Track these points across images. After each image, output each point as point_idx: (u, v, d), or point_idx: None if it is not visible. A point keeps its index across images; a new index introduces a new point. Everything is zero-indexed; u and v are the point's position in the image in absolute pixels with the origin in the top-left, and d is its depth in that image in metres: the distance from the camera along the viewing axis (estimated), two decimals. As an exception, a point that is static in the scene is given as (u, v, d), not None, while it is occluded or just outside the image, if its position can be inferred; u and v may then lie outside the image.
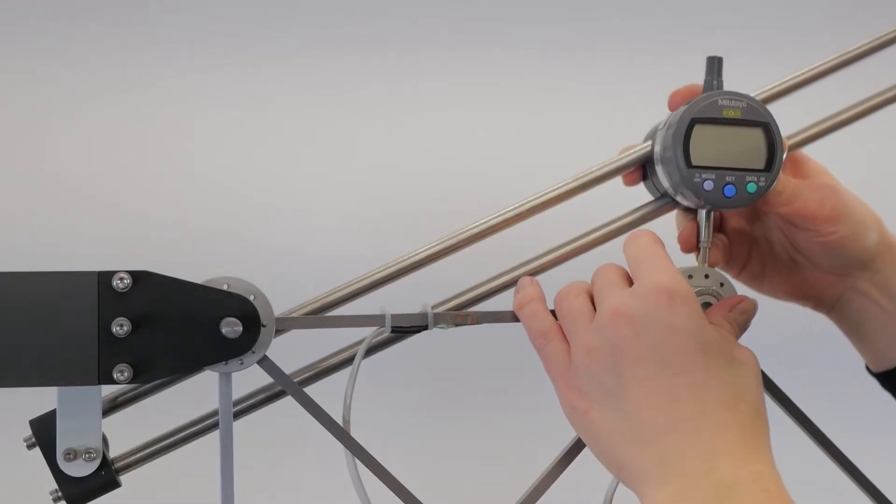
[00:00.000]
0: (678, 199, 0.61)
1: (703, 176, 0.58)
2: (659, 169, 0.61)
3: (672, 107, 0.62)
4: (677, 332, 0.51)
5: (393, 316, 0.59)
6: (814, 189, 0.62)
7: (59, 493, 0.58)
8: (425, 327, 0.59)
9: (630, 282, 0.55)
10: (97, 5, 1.21)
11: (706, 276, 0.60)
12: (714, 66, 0.61)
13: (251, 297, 0.56)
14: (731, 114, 0.58)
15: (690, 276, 0.60)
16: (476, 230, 0.62)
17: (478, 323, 0.60)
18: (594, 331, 0.53)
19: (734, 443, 0.50)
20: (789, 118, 0.64)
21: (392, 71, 1.26)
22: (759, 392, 0.53)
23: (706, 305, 0.60)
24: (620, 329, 0.52)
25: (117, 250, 1.18)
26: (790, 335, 0.98)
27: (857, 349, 0.68)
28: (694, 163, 0.58)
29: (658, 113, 0.63)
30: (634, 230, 0.58)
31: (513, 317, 0.60)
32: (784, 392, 0.61)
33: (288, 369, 0.60)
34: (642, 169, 0.64)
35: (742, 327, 0.57)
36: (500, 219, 0.62)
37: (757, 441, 0.51)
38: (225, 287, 0.56)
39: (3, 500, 1.15)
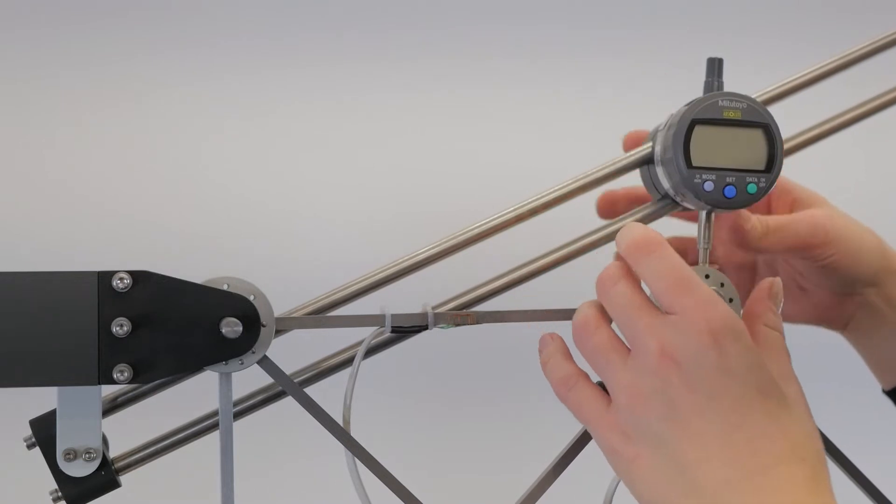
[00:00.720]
0: (679, 200, 0.61)
1: (704, 177, 0.58)
2: (659, 170, 0.61)
3: (626, 150, 0.62)
4: (733, 377, 0.48)
5: (393, 316, 0.59)
6: (802, 221, 0.62)
7: (59, 493, 0.58)
8: (425, 327, 0.59)
9: (648, 298, 0.52)
10: (103, 11, 1.21)
11: (707, 276, 0.60)
12: (714, 67, 0.61)
13: (251, 298, 0.56)
14: (731, 115, 0.58)
15: None
16: (476, 231, 0.62)
17: (478, 323, 0.60)
18: (637, 372, 0.50)
19: (801, 497, 0.47)
20: (791, 120, 0.64)
21: (395, 76, 1.26)
22: (816, 433, 0.51)
23: None
24: (670, 376, 0.49)
25: (118, 251, 1.18)
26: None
27: (871, 369, 0.68)
28: (694, 164, 0.58)
29: (659, 116, 0.63)
30: (644, 235, 0.52)
31: (514, 317, 0.60)
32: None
33: (288, 370, 0.60)
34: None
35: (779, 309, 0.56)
36: (500, 220, 0.62)
37: (819, 494, 0.48)
38: (225, 287, 0.56)
39: (4, 500, 1.15)
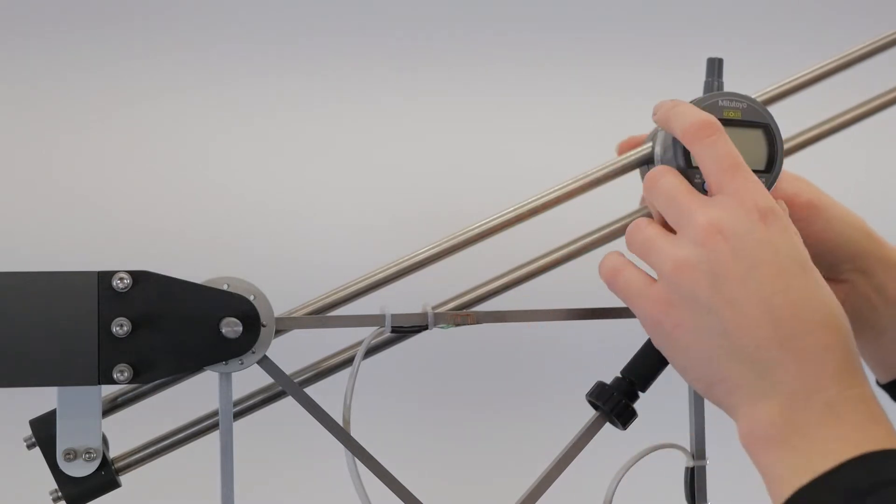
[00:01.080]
0: None
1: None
2: None
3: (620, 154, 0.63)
4: (777, 249, 0.51)
5: (393, 316, 0.59)
6: (788, 180, 0.63)
7: (59, 493, 0.58)
8: (425, 327, 0.59)
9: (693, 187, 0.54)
10: (108, 14, 1.21)
11: None
12: (714, 67, 0.61)
13: (251, 297, 0.56)
14: (731, 115, 0.58)
15: None
16: (477, 231, 0.62)
17: (478, 323, 0.60)
18: (682, 245, 0.52)
19: (839, 365, 0.49)
20: (791, 120, 0.64)
21: (395, 79, 1.26)
22: (845, 315, 0.52)
23: None
24: (718, 246, 0.51)
25: (118, 252, 1.18)
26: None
27: (864, 361, 0.67)
28: (694, 164, 0.58)
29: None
30: (702, 119, 0.55)
31: (514, 317, 0.60)
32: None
33: (288, 370, 0.60)
34: None
35: None
36: (500, 220, 0.62)
37: (857, 364, 0.51)
38: (225, 287, 0.57)
39: (4, 500, 1.15)
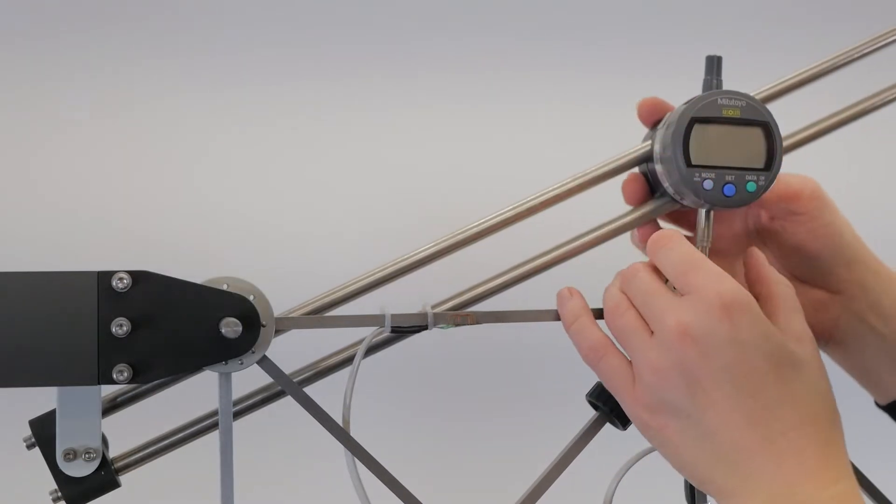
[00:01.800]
0: (678, 198, 0.61)
1: (703, 175, 0.58)
2: (658, 168, 0.61)
3: (643, 119, 0.63)
4: (745, 348, 0.51)
5: (393, 316, 0.58)
6: (791, 175, 0.63)
7: (59, 494, 0.57)
8: (425, 327, 0.59)
9: (667, 283, 0.55)
10: (105, 20, 1.21)
11: None
12: (713, 65, 0.61)
13: (251, 297, 0.56)
14: (730, 113, 0.58)
15: None
16: (475, 230, 0.62)
17: (478, 323, 0.60)
18: (658, 349, 0.53)
19: (815, 463, 0.50)
20: (790, 117, 0.64)
21: (395, 83, 1.26)
22: (829, 393, 0.53)
23: None
24: (687, 350, 0.51)
25: (118, 253, 1.18)
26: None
27: (862, 385, 0.67)
28: (694, 162, 0.58)
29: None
30: (660, 232, 0.57)
31: (514, 317, 0.60)
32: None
33: (288, 369, 0.60)
34: (646, 183, 0.64)
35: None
36: (499, 219, 0.62)
37: (836, 456, 0.51)
38: (224, 287, 0.56)
39: (4, 500, 1.15)
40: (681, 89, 0.63)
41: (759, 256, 0.59)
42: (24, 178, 1.21)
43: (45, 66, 1.21)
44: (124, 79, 1.23)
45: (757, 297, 0.54)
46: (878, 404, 0.67)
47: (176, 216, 1.22)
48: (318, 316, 0.60)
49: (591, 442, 0.60)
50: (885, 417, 0.66)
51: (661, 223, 0.65)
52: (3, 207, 1.19)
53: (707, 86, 0.60)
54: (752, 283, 0.58)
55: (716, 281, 0.52)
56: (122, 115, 1.22)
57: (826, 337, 0.65)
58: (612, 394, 0.56)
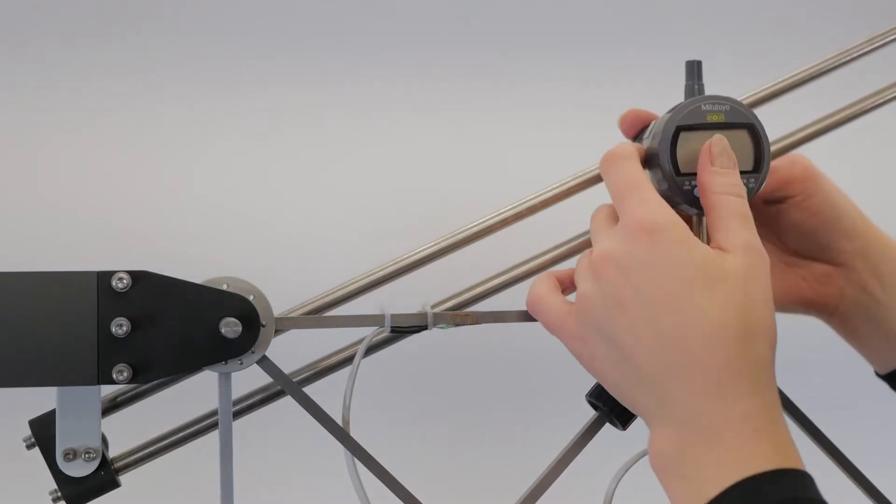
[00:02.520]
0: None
1: (693, 183, 0.58)
2: (648, 176, 0.61)
3: (625, 132, 0.63)
4: (658, 269, 0.51)
5: (392, 316, 0.58)
6: (782, 158, 0.63)
7: (59, 494, 0.58)
8: (425, 327, 0.59)
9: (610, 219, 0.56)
10: (102, 29, 1.22)
11: None
12: (694, 69, 0.61)
13: (250, 297, 0.56)
14: (715, 118, 0.58)
15: None
16: (475, 230, 0.62)
17: (478, 323, 0.60)
18: (588, 279, 0.54)
19: (720, 382, 0.49)
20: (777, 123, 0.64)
21: (395, 88, 1.26)
22: (748, 306, 0.51)
23: None
24: (608, 274, 0.53)
25: (118, 253, 1.18)
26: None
27: (861, 353, 0.67)
28: (682, 170, 0.58)
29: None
30: (614, 148, 0.57)
31: (513, 317, 0.60)
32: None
33: (288, 370, 0.60)
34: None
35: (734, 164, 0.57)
36: (498, 219, 0.62)
37: (749, 371, 0.50)
38: (224, 287, 0.57)
39: (4, 500, 1.15)
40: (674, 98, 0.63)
41: (706, 155, 0.57)
42: (26, 180, 1.21)
43: (50, 68, 1.21)
44: (126, 81, 1.23)
45: (703, 207, 0.55)
46: (877, 374, 0.67)
47: (175, 217, 1.22)
48: (317, 316, 0.60)
49: (591, 442, 0.60)
50: (883, 418, 0.66)
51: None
52: (5, 208, 1.20)
53: (689, 91, 0.60)
54: (699, 190, 0.57)
55: (640, 205, 0.53)
56: (124, 115, 1.22)
57: (831, 310, 0.66)
58: (551, 333, 0.57)
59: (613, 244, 0.53)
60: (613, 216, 0.56)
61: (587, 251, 0.57)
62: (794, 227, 0.64)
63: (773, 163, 0.61)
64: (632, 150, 0.57)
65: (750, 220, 0.54)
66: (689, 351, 0.50)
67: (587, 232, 0.63)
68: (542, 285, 0.58)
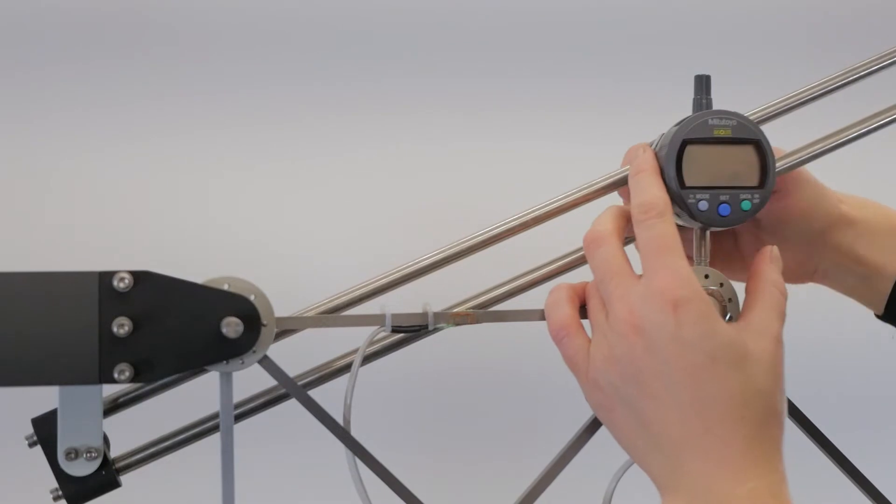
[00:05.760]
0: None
1: (698, 196, 0.58)
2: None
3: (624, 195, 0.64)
4: (685, 345, 0.52)
5: (393, 315, 0.59)
6: None
7: (60, 492, 0.58)
8: (425, 327, 0.59)
9: (626, 261, 0.56)
10: (110, 52, 1.22)
11: (706, 276, 0.60)
12: (703, 84, 0.61)
13: (251, 297, 0.57)
14: (721, 133, 0.58)
15: None
16: (481, 238, 0.62)
17: (478, 322, 0.60)
18: (610, 335, 0.54)
19: (735, 459, 0.51)
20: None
21: (395, 92, 1.27)
22: (771, 392, 0.53)
23: None
24: (634, 343, 0.53)
25: (118, 252, 1.18)
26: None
27: (858, 301, 0.69)
28: (687, 184, 0.58)
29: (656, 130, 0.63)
30: (651, 200, 0.56)
31: (514, 316, 0.60)
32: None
33: (292, 374, 0.60)
34: None
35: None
36: (504, 227, 0.62)
37: (762, 451, 0.52)
38: (225, 287, 0.57)
39: (4, 498, 1.15)
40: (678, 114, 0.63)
41: (768, 254, 0.59)
42: (24, 182, 1.22)
43: (64, 84, 1.22)
44: (126, 78, 1.23)
45: (747, 291, 0.56)
46: (877, 316, 0.69)
47: (181, 224, 1.22)
48: (319, 316, 0.60)
49: (590, 442, 0.60)
50: (885, 418, 0.66)
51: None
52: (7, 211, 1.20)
53: (697, 105, 0.61)
54: (750, 276, 0.58)
55: (672, 273, 0.53)
56: (123, 117, 1.23)
57: (808, 277, 0.68)
58: (574, 374, 0.57)
59: (640, 311, 0.53)
60: (626, 263, 0.56)
61: (596, 286, 0.57)
62: (774, 223, 0.66)
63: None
64: (670, 205, 0.57)
65: (784, 317, 0.56)
66: (710, 427, 0.52)
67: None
68: (565, 313, 0.58)
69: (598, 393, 0.55)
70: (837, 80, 0.65)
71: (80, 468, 0.57)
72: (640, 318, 0.53)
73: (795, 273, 0.68)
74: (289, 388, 0.59)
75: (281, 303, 0.59)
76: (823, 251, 0.66)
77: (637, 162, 0.59)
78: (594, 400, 0.56)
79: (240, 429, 0.59)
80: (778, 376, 0.54)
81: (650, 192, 0.56)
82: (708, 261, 0.61)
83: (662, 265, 0.53)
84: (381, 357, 0.63)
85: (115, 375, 0.54)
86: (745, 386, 0.52)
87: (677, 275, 0.53)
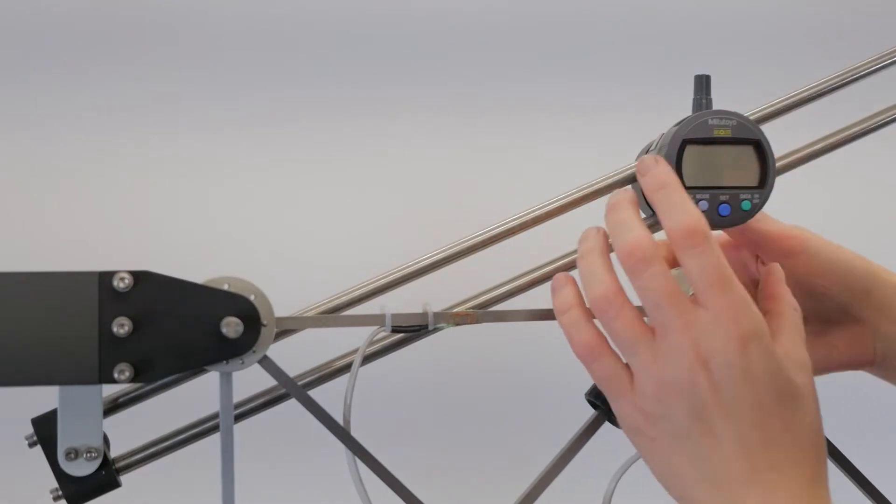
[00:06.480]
0: None
1: (698, 196, 0.58)
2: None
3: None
4: (755, 383, 0.51)
5: (393, 315, 0.59)
6: (774, 225, 0.62)
7: (60, 492, 0.58)
8: (425, 327, 0.59)
9: (678, 286, 0.52)
10: (111, 53, 1.23)
11: None
12: (703, 84, 0.61)
13: (251, 297, 0.57)
14: (721, 133, 0.58)
15: None
16: (480, 238, 0.62)
17: (478, 322, 0.60)
18: (666, 364, 0.52)
19: (798, 497, 0.50)
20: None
21: (396, 96, 1.27)
22: (821, 428, 0.53)
23: None
24: (699, 377, 0.51)
25: (119, 252, 1.18)
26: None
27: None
28: (687, 184, 0.58)
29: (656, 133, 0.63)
30: (692, 230, 0.51)
31: (514, 316, 0.60)
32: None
33: (291, 374, 0.60)
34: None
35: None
36: (504, 228, 0.62)
37: (819, 489, 0.51)
38: (225, 287, 0.57)
39: (4, 498, 1.15)
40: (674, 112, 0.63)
41: (779, 273, 0.58)
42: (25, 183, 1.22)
43: (63, 86, 1.23)
44: (126, 80, 1.23)
45: (764, 313, 0.53)
46: None
47: (181, 225, 1.23)
48: (319, 316, 0.60)
49: (591, 441, 0.60)
50: (884, 420, 0.66)
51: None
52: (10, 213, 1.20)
53: (697, 105, 0.61)
54: (764, 298, 0.57)
55: (739, 306, 0.51)
56: (125, 117, 1.23)
57: (867, 365, 0.65)
58: (605, 395, 0.55)
59: (707, 343, 0.51)
60: (678, 289, 0.52)
61: (621, 320, 0.53)
62: (808, 291, 0.63)
63: (772, 224, 0.61)
64: (708, 225, 0.53)
65: (805, 339, 0.55)
66: (775, 465, 0.51)
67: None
68: (591, 333, 0.55)
69: (643, 419, 0.53)
70: (837, 80, 0.65)
71: (80, 468, 0.57)
72: (708, 352, 0.51)
73: (853, 357, 0.65)
74: (289, 388, 0.59)
75: (281, 303, 0.59)
76: (873, 324, 0.63)
77: (656, 175, 0.55)
78: (633, 425, 0.53)
79: (239, 428, 0.59)
80: (819, 411, 0.53)
81: (687, 212, 0.52)
82: None
83: (727, 299, 0.51)
84: (381, 357, 0.63)
85: (115, 375, 0.54)
86: (805, 423, 0.52)
87: (744, 309, 0.51)
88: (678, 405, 0.51)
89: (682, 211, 0.52)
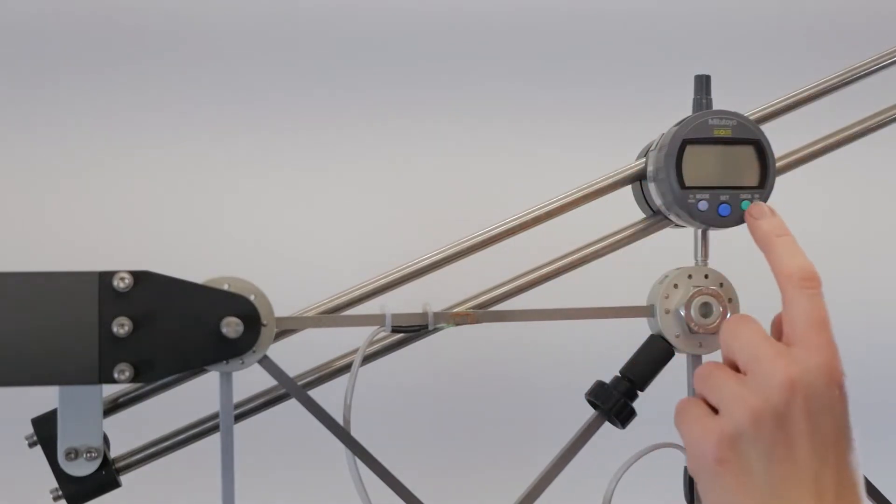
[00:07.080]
0: (671, 217, 0.61)
1: (698, 196, 0.58)
2: (652, 187, 0.61)
3: None
4: (837, 419, 0.52)
5: (393, 315, 0.59)
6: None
7: (60, 492, 0.58)
8: (425, 327, 0.59)
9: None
10: (111, 53, 1.23)
11: (706, 276, 0.61)
12: (703, 84, 0.61)
13: (251, 297, 0.57)
14: (721, 133, 0.58)
15: (690, 276, 0.60)
16: (480, 238, 0.62)
17: (478, 322, 0.60)
18: (758, 391, 0.53)
19: None
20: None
21: (396, 99, 1.27)
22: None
23: (706, 306, 0.60)
24: (793, 406, 0.52)
25: (119, 252, 1.18)
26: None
27: None
28: (687, 184, 0.58)
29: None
30: (804, 267, 0.54)
31: (514, 316, 0.60)
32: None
33: (291, 374, 0.60)
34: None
35: None
36: (504, 227, 0.62)
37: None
38: (225, 287, 0.57)
39: (4, 498, 1.15)
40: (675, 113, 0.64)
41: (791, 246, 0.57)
42: (26, 184, 1.22)
43: (63, 87, 1.23)
44: (127, 83, 1.24)
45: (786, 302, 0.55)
46: None
47: (181, 225, 1.23)
48: (319, 316, 0.60)
49: (591, 441, 0.60)
50: (884, 418, 0.66)
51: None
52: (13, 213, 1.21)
53: (697, 105, 0.61)
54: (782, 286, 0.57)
55: (836, 351, 0.53)
56: (126, 120, 1.23)
57: None
58: (676, 420, 0.55)
59: (804, 376, 0.52)
60: (768, 335, 0.55)
61: (727, 369, 0.55)
62: None
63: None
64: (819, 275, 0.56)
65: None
66: (838, 499, 0.52)
67: (586, 246, 0.63)
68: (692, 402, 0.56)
69: (716, 441, 0.53)
70: (837, 80, 0.65)
71: (80, 468, 0.57)
72: (803, 381, 0.52)
73: None
74: (289, 388, 0.59)
75: (281, 303, 0.59)
76: None
77: (778, 223, 0.57)
78: (708, 451, 0.53)
79: (239, 428, 0.59)
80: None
81: (806, 258, 0.55)
82: (707, 260, 0.61)
83: (828, 338, 0.53)
84: (381, 357, 0.63)
85: (115, 375, 0.54)
86: (857, 457, 0.53)
87: (838, 355, 0.53)
88: (767, 430, 0.52)
89: (803, 256, 0.55)
